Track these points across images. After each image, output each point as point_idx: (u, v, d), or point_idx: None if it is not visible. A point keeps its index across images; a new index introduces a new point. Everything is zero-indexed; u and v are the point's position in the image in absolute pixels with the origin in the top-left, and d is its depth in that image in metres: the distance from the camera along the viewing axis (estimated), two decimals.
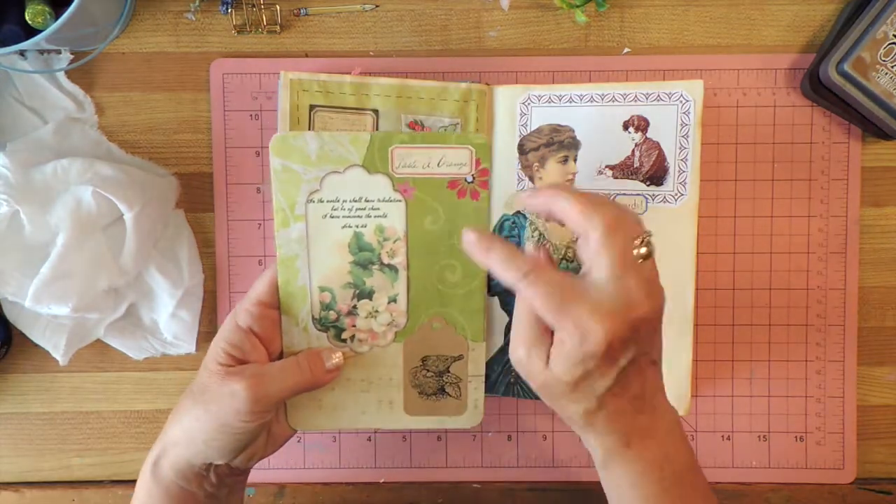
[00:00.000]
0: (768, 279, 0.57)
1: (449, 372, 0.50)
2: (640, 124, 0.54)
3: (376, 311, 0.49)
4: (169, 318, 0.56)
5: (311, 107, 0.54)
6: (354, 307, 0.49)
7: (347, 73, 0.55)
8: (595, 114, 0.54)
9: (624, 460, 0.42)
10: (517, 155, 0.55)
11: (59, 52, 0.56)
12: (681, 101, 0.54)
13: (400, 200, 0.47)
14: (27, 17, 0.51)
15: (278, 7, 0.56)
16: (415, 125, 0.55)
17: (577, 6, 0.55)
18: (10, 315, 0.56)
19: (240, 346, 0.46)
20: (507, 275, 0.41)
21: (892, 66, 0.53)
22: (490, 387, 0.55)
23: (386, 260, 0.48)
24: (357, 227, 0.48)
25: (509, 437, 0.59)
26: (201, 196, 0.58)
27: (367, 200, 0.47)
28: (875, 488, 0.58)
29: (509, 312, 0.54)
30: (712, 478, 0.58)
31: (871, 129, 0.56)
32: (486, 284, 0.49)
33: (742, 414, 0.58)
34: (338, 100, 0.54)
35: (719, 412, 0.58)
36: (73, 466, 0.59)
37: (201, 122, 0.57)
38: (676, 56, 0.57)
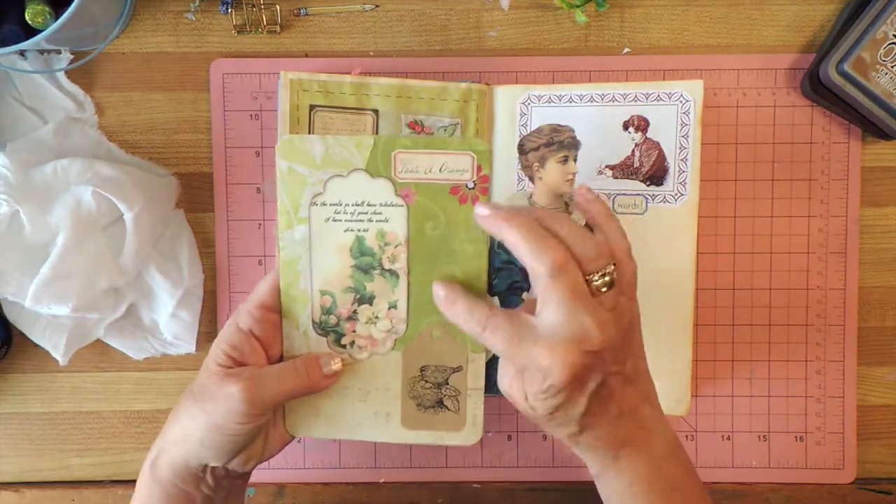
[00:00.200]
0: (768, 279, 0.57)
1: (448, 384, 0.49)
2: (640, 124, 0.54)
3: (376, 317, 0.48)
4: (169, 318, 0.56)
5: (311, 107, 0.54)
6: (355, 312, 0.48)
7: (347, 73, 0.55)
8: (595, 114, 0.54)
9: (614, 472, 0.43)
10: (517, 155, 0.55)
11: (59, 52, 0.56)
12: (681, 101, 0.54)
13: (402, 205, 0.47)
14: (27, 17, 0.51)
15: (278, 7, 0.56)
16: (415, 125, 0.55)
17: (577, 6, 0.55)
18: (10, 315, 0.56)
19: (239, 349, 0.46)
20: (468, 327, 0.43)
21: (892, 66, 0.53)
22: (490, 387, 0.55)
23: (387, 265, 0.48)
24: (359, 231, 0.47)
25: (509, 437, 0.59)
26: (201, 196, 0.58)
27: (369, 204, 0.47)
28: (875, 488, 0.58)
29: None
30: (712, 478, 0.58)
31: (871, 129, 0.56)
32: (486, 292, 0.48)
33: (742, 414, 0.58)
34: (338, 100, 0.54)
35: (719, 412, 0.58)
36: (73, 466, 0.59)
37: (201, 122, 0.58)
38: (676, 56, 0.57)
